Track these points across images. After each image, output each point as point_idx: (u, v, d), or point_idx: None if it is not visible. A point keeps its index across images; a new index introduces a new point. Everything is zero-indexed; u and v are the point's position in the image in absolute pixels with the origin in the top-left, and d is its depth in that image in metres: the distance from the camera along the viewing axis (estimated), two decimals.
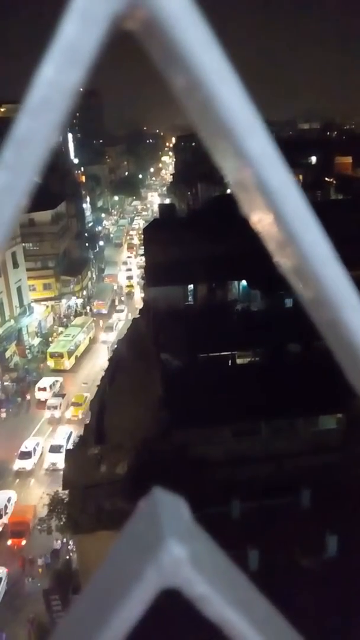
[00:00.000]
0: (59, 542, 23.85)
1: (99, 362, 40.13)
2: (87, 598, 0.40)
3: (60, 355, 40.88)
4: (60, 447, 29.50)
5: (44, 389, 36.87)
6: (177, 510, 0.40)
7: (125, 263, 69.45)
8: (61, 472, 20.89)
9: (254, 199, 0.36)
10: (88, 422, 23.67)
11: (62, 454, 25.42)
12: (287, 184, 0.36)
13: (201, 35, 0.33)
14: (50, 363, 41.09)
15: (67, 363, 40.83)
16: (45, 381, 37.63)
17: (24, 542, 24.76)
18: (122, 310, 52.90)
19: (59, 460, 26.91)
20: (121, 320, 49.71)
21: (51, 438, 32.34)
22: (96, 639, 0.37)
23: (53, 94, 0.31)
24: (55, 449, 30.23)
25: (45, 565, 23.50)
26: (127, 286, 61.27)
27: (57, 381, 38.10)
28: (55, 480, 24.92)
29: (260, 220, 0.37)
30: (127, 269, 66.27)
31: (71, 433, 31.15)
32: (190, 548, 0.37)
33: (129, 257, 72.40)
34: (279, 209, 0.36)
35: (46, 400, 36.09)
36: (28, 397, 37.43)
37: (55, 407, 35.31)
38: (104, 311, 52.99)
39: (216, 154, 0.36)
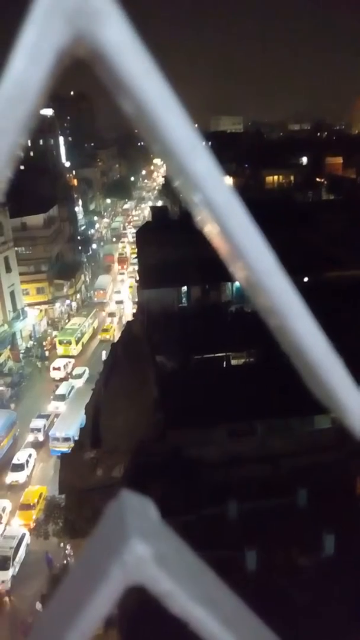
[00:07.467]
0: None
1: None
2: (58, 598, 0.42)
3: (69, 342, 43.75)
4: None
5: (58, 369, 40.04)
6: (143, 511, 0.43)
7: (118, 292, 57.05)
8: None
9: (203, 215, 0.40)
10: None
11: None
12: (230, 201, 0.39)
13: (143, 65, 0.35)
14: (60, 349, 43.77)
15: (75, 349, 43.67)
16: (60, 362, 40.98)
17: None
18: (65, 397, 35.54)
19: None
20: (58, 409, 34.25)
21: None
22: (65, 637, 0.38)
23: (4, 125, 0.33)
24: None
25: None
26: (104, 330, 47.00)
27: (69, 362, 41.33)
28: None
29: (211, 235, 0.41)
30: (117, 296, 55.42)
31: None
32: (154, 546, 0.38)
33: (120, 273, 63.91)
34: (224, 225, 0.39)
35: (60, 379, 38.91)
36: None
37: (39, 430, 31.79)
38: (105, 300, 54.84)
39: (170, 173, 0.39)
